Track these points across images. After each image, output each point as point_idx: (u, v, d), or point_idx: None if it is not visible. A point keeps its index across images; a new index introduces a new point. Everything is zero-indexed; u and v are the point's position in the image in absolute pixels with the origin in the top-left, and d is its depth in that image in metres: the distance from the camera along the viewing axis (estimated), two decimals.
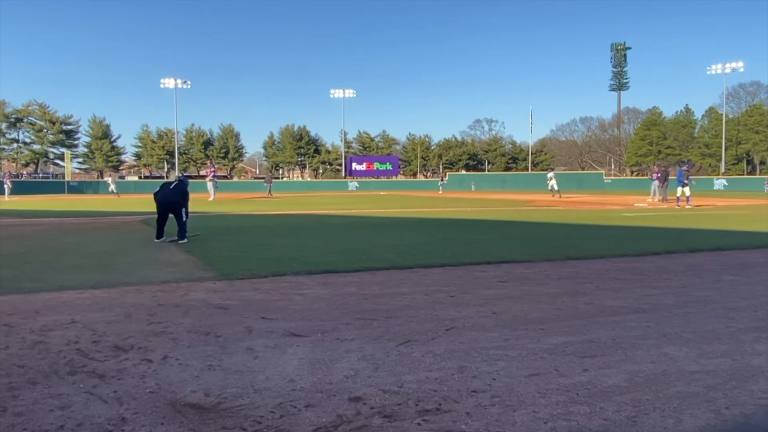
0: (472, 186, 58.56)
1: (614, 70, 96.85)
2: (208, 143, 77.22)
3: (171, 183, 10.66)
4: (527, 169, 75.47)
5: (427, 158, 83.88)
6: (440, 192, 47.48)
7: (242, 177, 79.00)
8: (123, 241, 10.67)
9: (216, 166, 27.72)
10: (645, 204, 23.60)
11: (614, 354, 3.71)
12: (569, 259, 7.94)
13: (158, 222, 10.19)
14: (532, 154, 78.24)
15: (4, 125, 68.98)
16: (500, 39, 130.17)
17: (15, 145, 70.41)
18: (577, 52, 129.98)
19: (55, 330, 4.28)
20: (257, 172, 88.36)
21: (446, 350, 3.79)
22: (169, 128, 74.85)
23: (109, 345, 3.91)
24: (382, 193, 47.69)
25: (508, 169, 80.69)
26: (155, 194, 10.25)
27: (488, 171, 78.06)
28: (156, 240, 10.06)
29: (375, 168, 70.94)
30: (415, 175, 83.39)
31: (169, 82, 66.46)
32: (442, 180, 54.15)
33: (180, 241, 9.81)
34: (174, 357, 3.65)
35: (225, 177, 68.78)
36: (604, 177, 61.46)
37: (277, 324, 4.46)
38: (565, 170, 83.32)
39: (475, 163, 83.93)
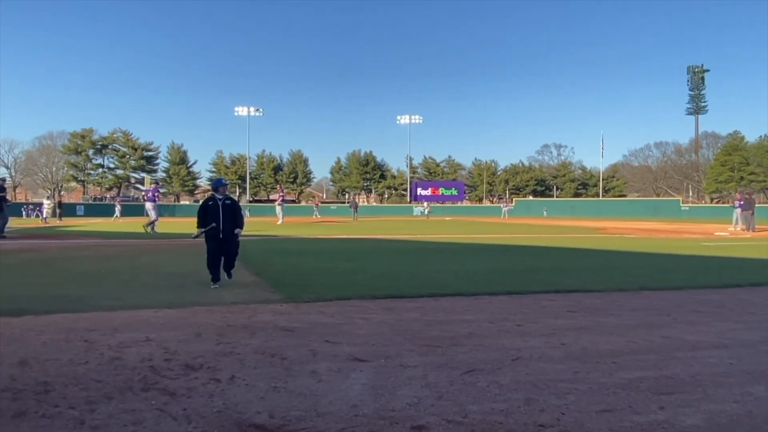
0: (544, 212, 57.26)
1: (691, 93, 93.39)
2: (278, 168, 79.69)
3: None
4: (598, 195, 73.19)
5: (493, 183, 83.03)
6: (505, 218, 46.72)
7: (309, 201, 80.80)
8: (195, 262, 11.08)
9: (285, 190, 28.39)
10: (727, 233, 22.31)
11: (693, 392, 3.49)
12: (643, 290, 7.59)
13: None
14: (603, 179, 75.99)
15: (91, 151, 73.90)
16: (568, 62, 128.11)
17: (100, 170, 75.14)
18: (651, 74, 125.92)
19: (131, 347, 4.47)
20: (324, 197, 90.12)
21: (512, 381, 3.68)
22: (241, 154, 78.01)
23: (180, 363, 4.04)
24: (447, 218, 47.44)
25: (577, 195, 78.70)
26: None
27: (557, 197, 76.29)
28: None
29: (440, 193, 70.87)
30: (480, 200, 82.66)
31: (242, 110, 69.45)
32: (506, 205, 53.01)
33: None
34: (241, 377, 3.73)
35: (293, 201, 70.53)
36: (681, 204, 58.64)
37: (341, 348, 4.48)
38: (638, 197, 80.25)
39: (543, 188, 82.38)
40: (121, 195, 71.59)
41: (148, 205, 22.79)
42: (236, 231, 7.99)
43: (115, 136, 75.06)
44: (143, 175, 73.48)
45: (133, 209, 48.88)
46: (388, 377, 3.75)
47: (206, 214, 7.79)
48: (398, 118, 74.99)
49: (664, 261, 11.64)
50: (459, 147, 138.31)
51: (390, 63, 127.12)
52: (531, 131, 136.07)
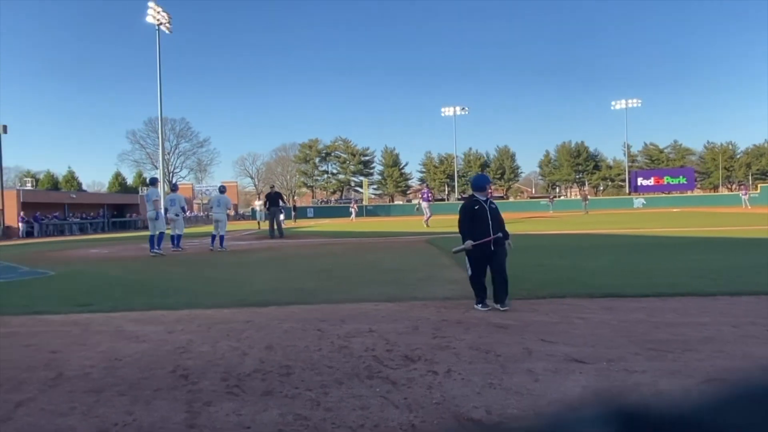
0: None
1: None
2: (485, 165, 79.70)
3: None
4: None
5: (731, 169, 72.76)
6: (747, 207, 40.59)
7: (518, 197, 79.30)
8: (411, 258, 11.62)
9: (493, 186, 28.41)
10: None
11: None
12: None
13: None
14: None
15: (317, 159, 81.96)
16: None
17: (325, 176, 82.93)
18: None
19: (356, 337, 4.84)
20: (533, 192, 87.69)
21: (766, 393, 3.17)
22: (449, 153, 79.63)
23: (400, 354, 4.25)
24: (674, 209, 42.86)
25: None
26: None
27: None
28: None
29: (665, 182, 64.22)
30: (716, 188, 73.01)
31: (449, 111, 70.98)
32: (745, 193, 45.95)
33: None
34: (457, 371, 3.79)
35: (501, 198, 69.98)
36: None
37: (557, 348, 4.31)
38: None
39: None
40: (343, 197, 78.08)
41: (424, 204, 25.80)
42: (507, 243, 6.15)
43: (336, 144, 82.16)
44: (361, 178, 79.21)
45: (362, 211, 53.04)
46: (611, 381, 3.50)
47: (473, 220, 6.04)
48: (613, 103, 69.76)
49: None
50: (686, 130, 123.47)
51: (603, 47, 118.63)
52: None
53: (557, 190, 79.21)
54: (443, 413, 3.08)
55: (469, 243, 5.95)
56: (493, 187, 27.78)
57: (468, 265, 6.12)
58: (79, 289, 8.52)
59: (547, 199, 52.37)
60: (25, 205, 34.53)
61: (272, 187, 24.91)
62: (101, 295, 7.76)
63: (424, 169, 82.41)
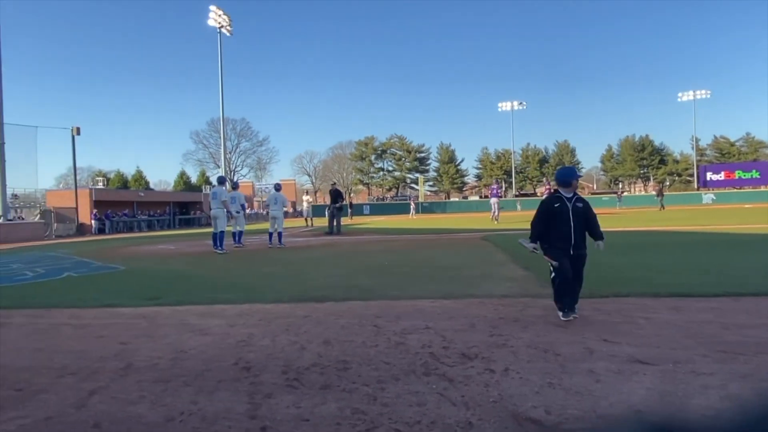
0: None
1: None
2: (543, 161, 78.14)
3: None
4: None
5: None
6: None
7: (579, 193, 77.11)
8: (468, 255, 11.53)
9: (552, 183, 27.62)
10: None
11: None
12: None
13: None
14: None
15: (373, 157, 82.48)
16: None
17: (381, 173, 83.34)
18: None
19: (413, 333, 4.85)
20: (594, 188, 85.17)
21: None
22: (506, 149, 78.48)
23: (457, 352, 4.24)
24: (746, 205, 40.70)
25: None
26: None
27: None
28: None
29: (736, 177, 61.06)
30: None
31: (505, 105, 70.01)
32: None
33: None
34: (515, 370, 3.74)
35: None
36: None
37: (620, 348, 4.18)
38: None
39: None
40: (399, 194, 78.24)
41: (493, 200, 26.10)
42: (597, 244, 5.47)
43: (392, 141, 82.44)
44: (417, 175, 79.20)
45: (418, 207, 53.10)
46: (677, 384, 3.37)
47: (549, 220, 5.37)
48: (680, 95, 67.01)
49: None
50: (759, 122, 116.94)
51: (669, 37, 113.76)
52: None
53: (620, 185, 76.64)
54: (501, 412, 3.05)
55: (532, 245, 5.45)
56: (551, 183, 26.81)
57: (551, 266, 5.37)
58: (147, 284, 8.91)
59: (615, 195, 50.98)
60: (97, 203, 36.16)
61: (333, 184, 25.25)
62: (167, 290, 8.08)
63: (480, 166, 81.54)
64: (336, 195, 21.37)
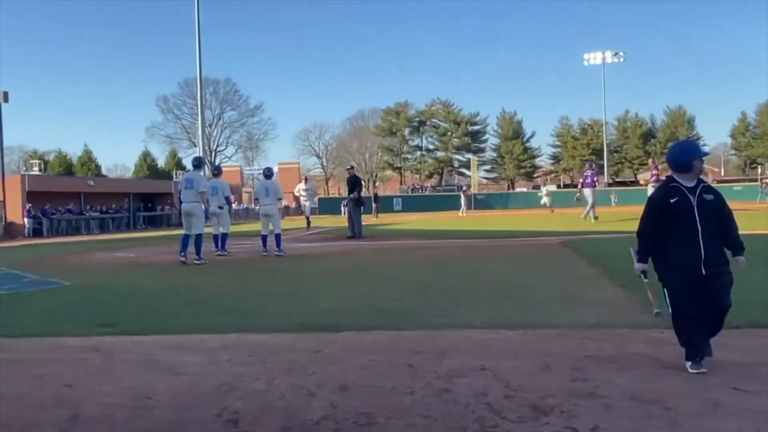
0: None
1: None
2: (648, 135, 77.22)
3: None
4: None
5: None
6: None
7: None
8: (540, 268, 11.46)
9: (660, 166, 26.81)
10: None
11: None
12: None
13: None
14: None
15: (407, 131, 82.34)
16: None
17: (418, 153, 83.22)
18: None
19: (462, 377, 4.84)
20: (721, 173, 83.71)
21: None
22: (594, 119, 77.69)
23: (525, 403, 4.21)
24: None
25: None
26: None
27: None
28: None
29: None
30: None
31: (594, 57, 69.05)
32: None
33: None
34: (607, 429, 3.71)
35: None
36: None
37: (757, 400, 4.11)
38: None
39: None
40: (443, 183, 78.08)
41: (587, 192, 26.17)
42: (737, 259, 4.97)
43: (433, 109, 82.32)
44: (468, 156, 78.92)
45: (471, 201, 52.71)
46: None
47: (664, 222, 4.98)
48: None
49: None
50: None
51: None
52: None
53: (758, 170, 75.17)
54: None
55: (639, 267, 5.13)
56: (660, 167, 25.89)
57: (665, 295, 4.99)
58: (100, 305, 9.07)
59: (758, 183, 50.11)
60: (31, 195, 36.66)
61: (351, 168, 25.23)
62: (127, 313, 8.21)
63: (558, 142, 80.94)
64: (354, 183, 21.45)
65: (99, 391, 4.84)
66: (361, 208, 21.98)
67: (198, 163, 15.95)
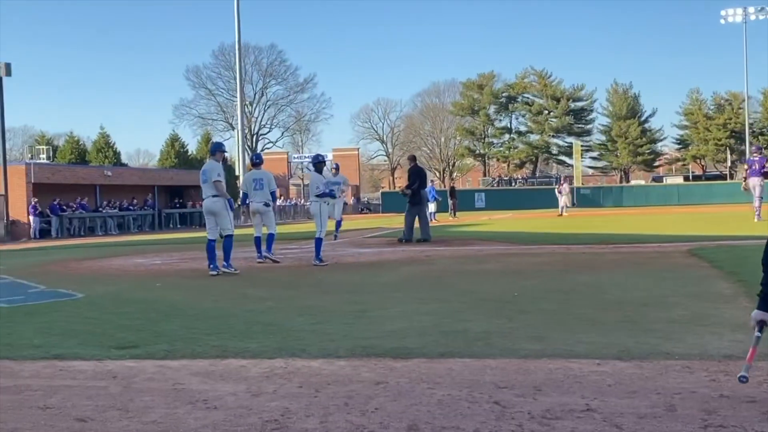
0: None
1: None
2: None
3: None
4: None
5: None
6: None
7: None
8: (660, 283, 11.26)
9: None
10: None
11: None
12: None
13: None
14: None
15: (492, 109, 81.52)
16: None
17: (507, 136, 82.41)
18: None
19: (562, 419, 4.79)
20: None
21: None
22: (734, 92, 75.72)
23: None
24: None
25: None
26: None
27: None
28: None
29: None
30: None
31: (734, 14, 67.28)
32: None
33: None
34: None
35: None
36: None
37: None
38: None
39: None
40: (539, 173, 77.31)
41: (754, 182, 25.03)
42: None
43: (526, 81, 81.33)
44: (569, 140, 77.87)
45: (573, 195, 51.80)
46: None
47: None
48: None
49: None
50: None
51: None
52: None
53: None
54: None
55: (757, 315, 4.84)
56: None
57: None
58: (119, 322, 9.26)
59: None
60: (37, 189, 37.00)
61: (413, 159, 25.05)
62: (151, 332, 8.38)
63: (686, 122, 79.41)
64: (415, 176, 21.29)
65: (117, 426, 4.92)
66: (421, 207, 21.67)
67: (213, 150, 16.04)
